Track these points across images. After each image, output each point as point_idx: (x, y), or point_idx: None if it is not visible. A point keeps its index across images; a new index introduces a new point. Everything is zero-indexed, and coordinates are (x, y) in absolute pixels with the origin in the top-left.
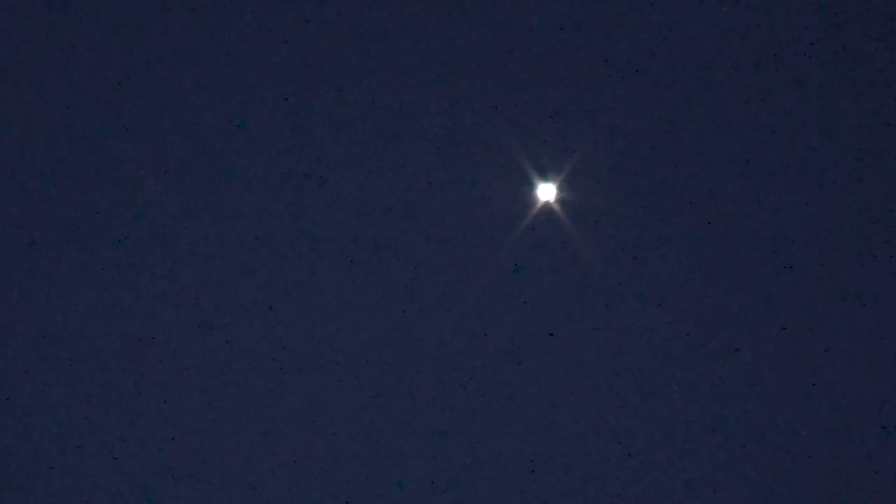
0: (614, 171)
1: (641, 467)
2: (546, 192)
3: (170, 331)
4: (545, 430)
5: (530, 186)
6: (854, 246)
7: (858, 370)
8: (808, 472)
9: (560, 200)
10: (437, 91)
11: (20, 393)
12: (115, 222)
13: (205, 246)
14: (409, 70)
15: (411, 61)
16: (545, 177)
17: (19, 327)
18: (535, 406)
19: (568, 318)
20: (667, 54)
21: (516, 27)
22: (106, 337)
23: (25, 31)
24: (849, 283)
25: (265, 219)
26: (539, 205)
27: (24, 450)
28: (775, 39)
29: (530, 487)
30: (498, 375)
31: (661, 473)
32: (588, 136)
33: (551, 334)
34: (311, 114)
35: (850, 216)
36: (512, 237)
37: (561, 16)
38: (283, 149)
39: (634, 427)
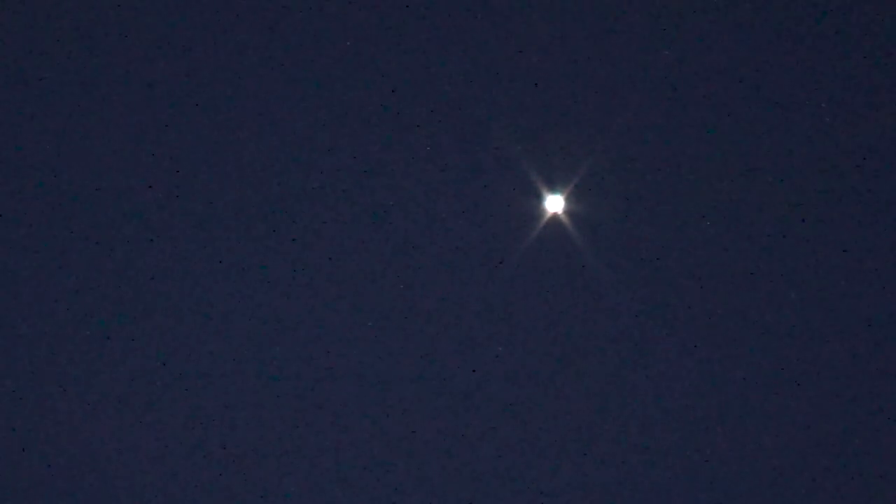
0: (622, 182)
1: (646, 471)
2: (554, 203)
3: (169, 332)
4: (552, 436)
5: (538, 198)
6: (866, 262)
7: (862, 377)
8: (809, 474)
9: (568, 212)
10: (445, 102)
11: (21, 394)
12: (115, 222)
13: (208, 249)
14: (417, 80)
15: (419, 72)
16: (553, 188)
17: (19, 329)
18: (542, 414)
19: (576, 328)
20: (675, 67)
21: (525, 39)
22: (110, 339)
23: (27, 32)
24: (859, 297)
25: (272, 234)
26: (547, 216)
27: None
28: (783, 50)
29: (534, 491)
30: (505, 384)
31: (667, 477)
32: (596, 147)
33: (559, 343)
34: (315, 121)
35: (865, 228)
36: (520, 248)
37: (570, 29)
38: (286, 154)
39: (640, 432)
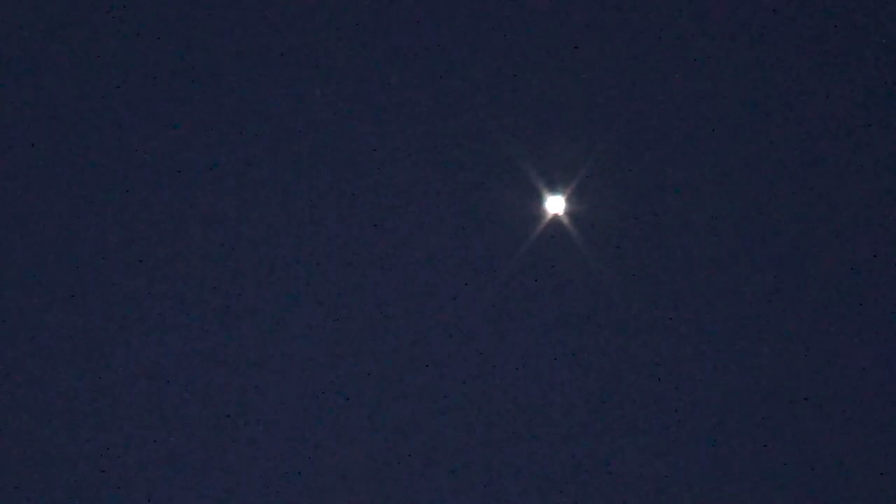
0: (622, 182)
1: (647, 471)
2: (555, 204)
3: (167, 332)
4: (552, 437)
5: (539, 199)
6: (868, 261)
7: (866, 375)
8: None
9: (569, 213)
10: (446, 103)
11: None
12: (114, 221)
13: (210, 249)
14: (416, 80)
15: (420, 73)
16: (554, 189)
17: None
18: (543, 416)
19: (577, 329)
20: (677, 67)
21: (526, 40)
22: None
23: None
24: (860, 297)
25: (271, 235)
26: (548, 217)
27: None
28: (783, 50)
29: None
30: (506, 387)
31: (668, 477)
32: (597, 148)
33: (560, 345)
34: (314, 120)
35: (870, 231)
36: (521, 250)
37: (571, 29)
38: (286, 156)
39: (641, 432)
